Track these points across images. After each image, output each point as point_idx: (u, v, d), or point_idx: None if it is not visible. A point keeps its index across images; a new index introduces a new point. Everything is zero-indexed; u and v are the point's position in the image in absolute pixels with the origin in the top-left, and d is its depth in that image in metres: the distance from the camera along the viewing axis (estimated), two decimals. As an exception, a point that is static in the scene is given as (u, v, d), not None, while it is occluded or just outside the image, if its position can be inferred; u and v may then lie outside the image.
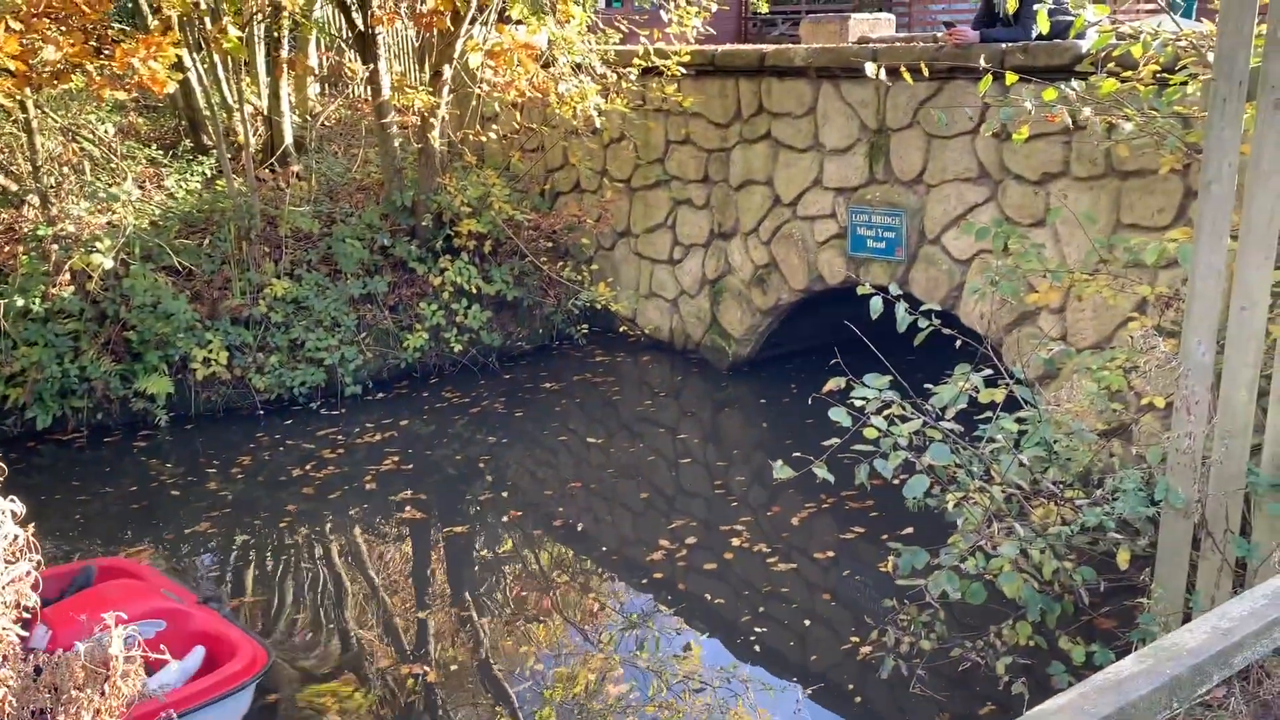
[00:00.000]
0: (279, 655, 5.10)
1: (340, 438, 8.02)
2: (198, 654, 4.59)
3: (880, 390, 4.33)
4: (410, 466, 7.52)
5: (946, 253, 7.45)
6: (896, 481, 4.33)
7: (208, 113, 10.29)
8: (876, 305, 4.52)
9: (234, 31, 7.84)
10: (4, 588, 2.66)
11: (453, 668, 5.12)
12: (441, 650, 5.30)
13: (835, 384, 4.36)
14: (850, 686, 4.88)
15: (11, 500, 2.80)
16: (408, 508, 6.88)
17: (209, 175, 9.72)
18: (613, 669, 5.06)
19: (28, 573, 2.68)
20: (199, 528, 6.60)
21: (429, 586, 6.07)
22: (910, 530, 6.02)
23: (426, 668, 5.08)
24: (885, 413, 4.31)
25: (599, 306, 9.92)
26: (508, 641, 5.39)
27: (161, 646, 4.02)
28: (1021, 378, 4.54)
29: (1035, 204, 6.80)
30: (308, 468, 7.48)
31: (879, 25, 9.15)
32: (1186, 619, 4.34)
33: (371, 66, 9.27)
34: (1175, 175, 5.92)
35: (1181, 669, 1.69)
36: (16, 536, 2.68)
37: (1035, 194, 6.79)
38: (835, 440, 4.28)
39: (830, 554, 6.15)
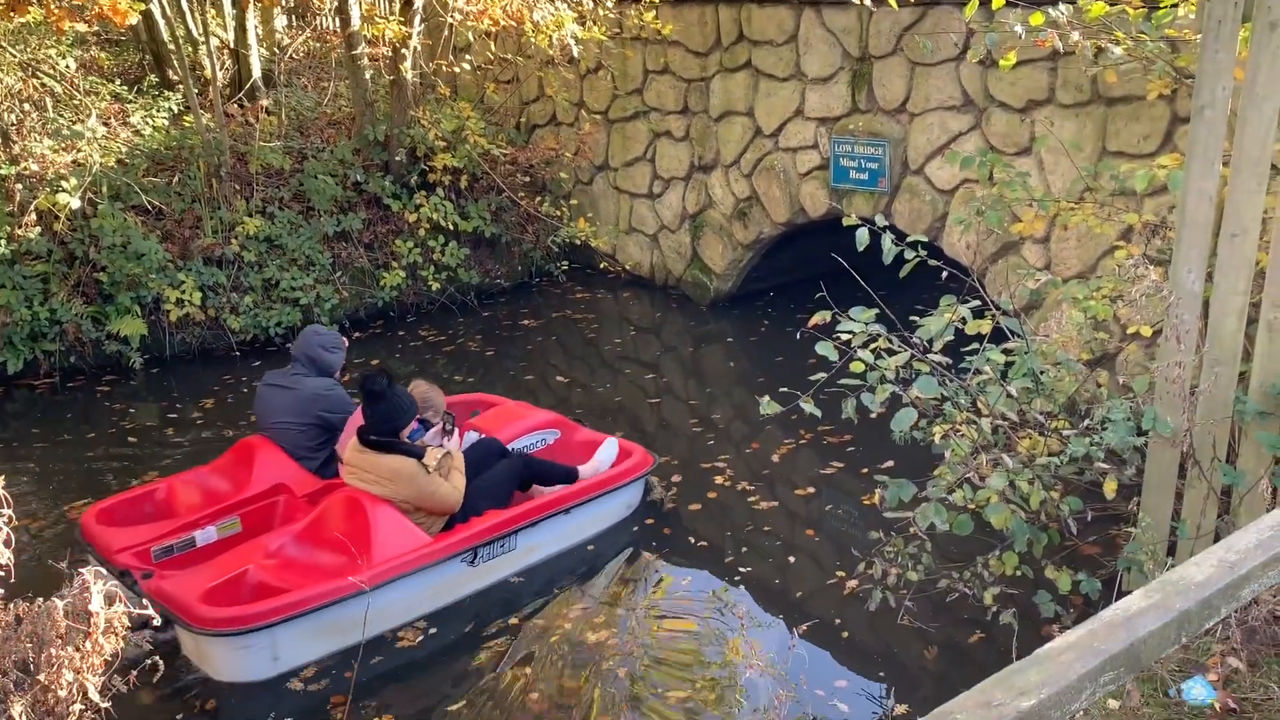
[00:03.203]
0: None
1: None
2: (613, 443, 5.87)
3: (866, 324, 4.28)
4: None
5: (930, 183, 7.36)
6: (874, 416, 4.30)
7: (172, 46, 10.00)
8: (863, 237, 4.44)
9: (196, -40, 7.58)
10: (-23, 541, 2.59)
11: (430, 629, 5.04)
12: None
13: (821, 318, 4.30)
14: (838, 621, 4.89)
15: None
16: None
17: (176, 111, 9.47)
18: (596, 614, 5.03)
19: (-1, 527, 2.61)
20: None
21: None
22: (890, 464, 6.01)
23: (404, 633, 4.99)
24: (872, 346, 4.26)
25: (579, 242, 9.80)
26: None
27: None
28: (1009, 309, 4.49)
29: (1020, 132, 6.72)
30: (267, 410, 7.36)
31: (860, -50, 8.94)
32: (1172, 547, 4.37)
33: (340, -4, 9.01)
34: (1162, 101, 5.84)
35: (1190, 603, 1.66)
36: (-11, 489, 2.61)
37: (1020, 122, 6.70)
38: (822, 375, 4.23)
39: (811, 490, 6.14)
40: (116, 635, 2.56)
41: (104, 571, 2.75)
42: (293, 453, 5.56)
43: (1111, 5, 5.07)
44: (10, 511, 2.66)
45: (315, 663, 4.63)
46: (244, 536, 5.17)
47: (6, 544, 2.62)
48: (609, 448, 5.85)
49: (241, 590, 4.61)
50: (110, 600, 2.58)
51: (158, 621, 2.85)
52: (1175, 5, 4.90)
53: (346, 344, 5.92)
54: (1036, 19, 5.05)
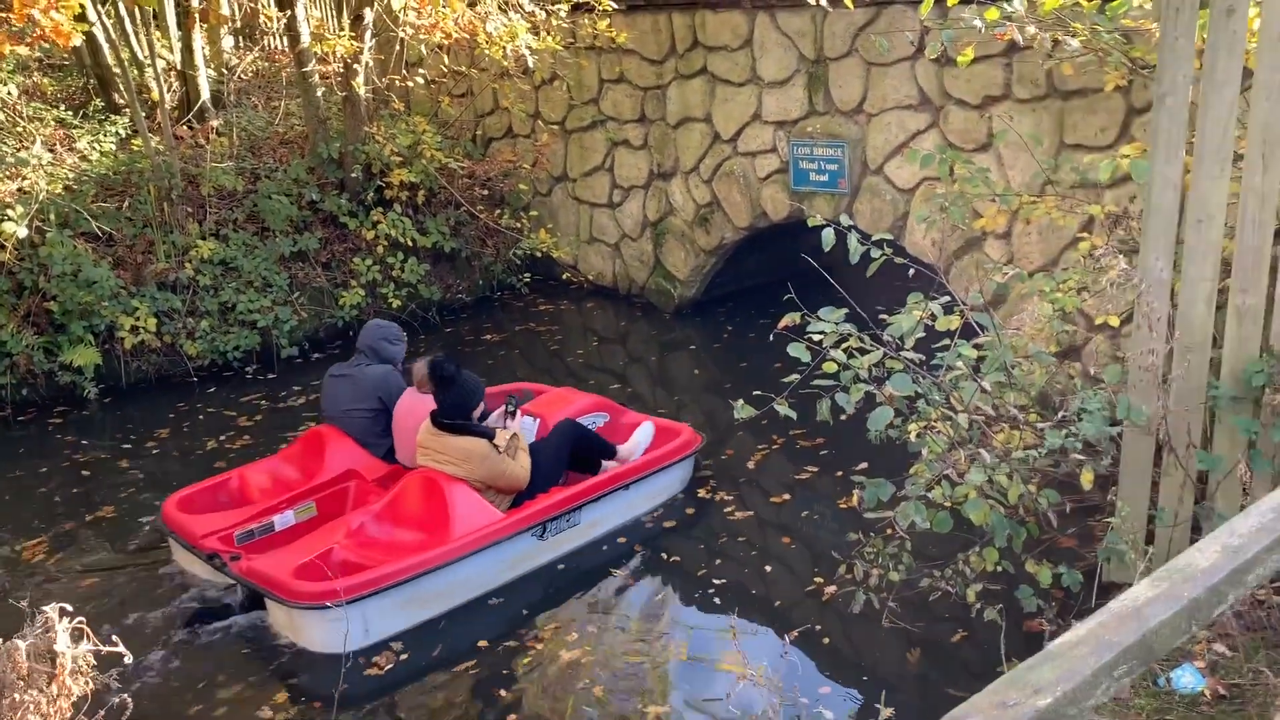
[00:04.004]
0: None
1: (264, 404, 7.76)
2: (648, 427, 6.16)
3: (836, 324, 4.24)
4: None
5: (890, 182, 7.36)
6: (845, 418, 4.25)
7: (117, 69, 9.81)
8: (828, 237, 4.40)
9: (139, -20, 7.43)
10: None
11: (401, 653, 4.95)
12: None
13: (791, 320, 4.25)
14: (819, 626, 4.83)
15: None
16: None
17: (123, 135, 9.28)
18: (568, 632, 4.93)
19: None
20: (102, 513, 6.23)
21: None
22: (864, 465, 5.97)
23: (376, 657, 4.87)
24: (844, 346, 4.22)
25: (540, 254, 9.72)
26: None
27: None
28: (979, 304, 4.47)
29: (978, 128, 6.73)
30: (223, 439, 7.18)
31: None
32: (1150, 535, 4.36)
33: (289, 13, 8.88)
34: (1118, 93, 5.87)
35: (1199, 591, 1.62)
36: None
37: (978, 118, 6.72)
38: (795, 376, 4.18)
39: (787, 496, 6.07)
40: (84, 676, 2.44)
41: (69, 608, 2.63)
42: (360, 439, 5.88)
43: (1066, -2, 5.09)
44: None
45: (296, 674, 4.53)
46: (319, 521, 5.44)
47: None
48: (645, 430, 6.15)
49: (328, 568, 4.84)
50: (77, 639, 2.46)
51: (129, 659, 2.73)
52: (1129, -4, 4.91)
53: (406, 337, 6.37)
54: (992, 14, 5.05)
